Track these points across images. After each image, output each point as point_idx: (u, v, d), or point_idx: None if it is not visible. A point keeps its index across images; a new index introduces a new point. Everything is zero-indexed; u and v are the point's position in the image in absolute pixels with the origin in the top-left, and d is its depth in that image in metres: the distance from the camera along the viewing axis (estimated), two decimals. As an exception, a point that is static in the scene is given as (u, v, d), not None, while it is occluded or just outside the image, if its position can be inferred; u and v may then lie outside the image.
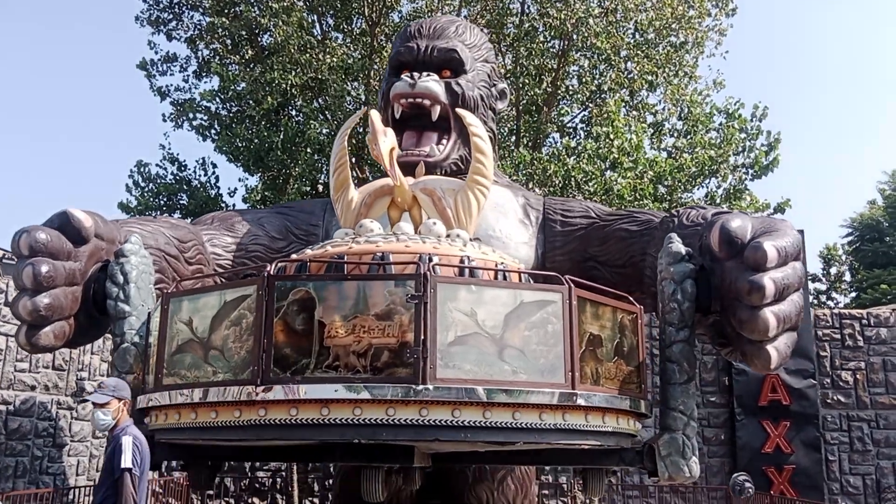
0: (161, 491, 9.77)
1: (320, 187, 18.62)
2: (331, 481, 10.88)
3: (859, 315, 11.75)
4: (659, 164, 15.15)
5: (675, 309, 5.29)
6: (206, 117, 19.60)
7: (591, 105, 17.93)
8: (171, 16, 20.24)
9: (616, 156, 14.71)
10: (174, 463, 9.51)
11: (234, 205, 20.20)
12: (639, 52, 17.55)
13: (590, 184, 15.18)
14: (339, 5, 18.74)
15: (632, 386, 4.95)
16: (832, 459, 11.21)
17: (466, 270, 4.91)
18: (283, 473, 11.55)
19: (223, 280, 7.02)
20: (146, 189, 19.76)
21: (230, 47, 19.54)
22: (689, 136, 16.85)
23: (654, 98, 18.48)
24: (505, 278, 5.13)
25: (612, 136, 14.86)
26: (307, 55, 17.44)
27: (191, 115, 19.50)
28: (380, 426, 4.19)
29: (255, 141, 17.95)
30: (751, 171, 16.37)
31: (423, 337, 4.17)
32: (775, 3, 47.85)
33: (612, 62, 17.54)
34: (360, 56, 18.73)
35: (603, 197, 14.96)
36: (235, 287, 4.57)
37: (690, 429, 5.20)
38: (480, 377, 4.24)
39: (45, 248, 5.39)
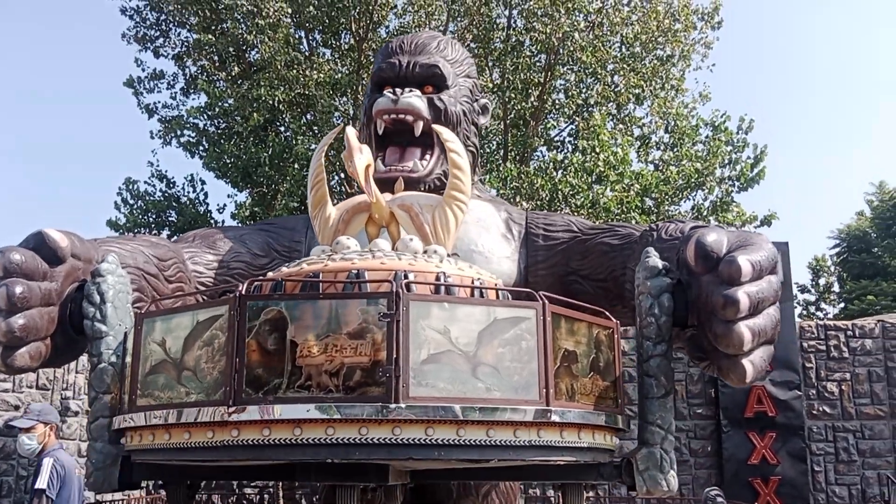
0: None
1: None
2: (317, 497, 10.85)
3: (844, 326, 11.81)
4: (645, 177, 15.23)
5: (652, 323, 5.30)
6: (193, 134, 19.67)
7: (577, 119, 18.02)
8: (157, 33, 20.31)
9: (602, 169, 14.78)
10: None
11: (223, 221, 20.25)
12: (625, 65, 17.68)
13: (577, 197, 15.24)
14: (326, 21, 18.83)
15: (608, 401, 4.95)
16: (818, 470, 11.24)
17: (442, 287, 4.91)
18: (271, 490, 11.52)
19: (205, 298, 7.00)
20: (135, 206, 19.81)
21: (217, 64, 19.61)
22: (675, 149, 16.95)
23: (642, 111, 18.62)
24: (482, 295, 5.13)
25: (597, 150, 14.92)
26: (294, 71, 17.51)
27: (178, 132, 19.56)
28: (353, 445, 4.17)
29: (243, 157, 18.00)
30: (737, 184, 16.47)
31: (395, 355, 4.15)
32: (761, 15, 48.24)
33: (599, 76, 17.66)
34: (347, 72, 18.81)
35: (590, 210, 15.02)
36: (207, 307, 4.55)
37: (668, 443, 5.20)
38: (454, 395, 4.23)
39: (19, 268, 5.36)
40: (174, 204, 19.86)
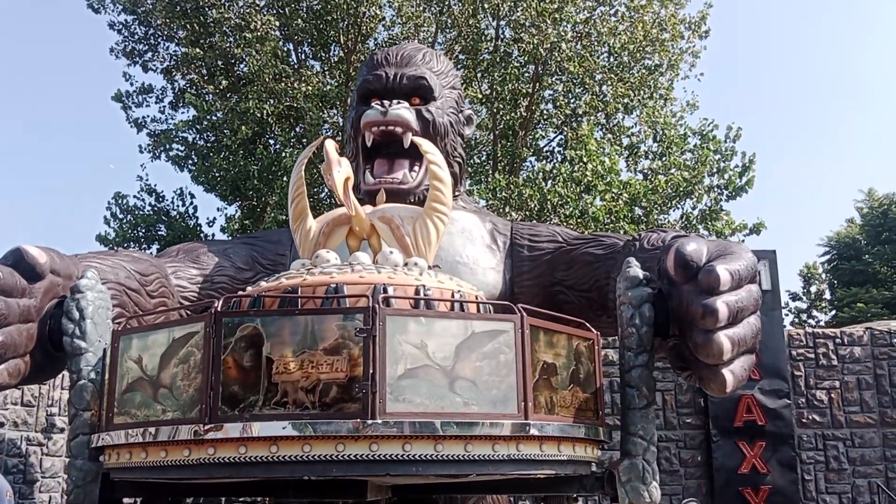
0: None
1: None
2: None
3: (833, 334, 11.80)
4: (633, 186, 15.24)
5: (633, 334, 5.29)
6: (182, 148, 19.63)
7: (566, 129, 18.05)
8: (146, 47, 20.29)
9: (590, 179, 14.79)
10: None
11: (213, 234, 20.19)
12: (612, 75, 17.72)
13: (566, 207, 15.24)
14: (315, 33, 18.86)
15: (588, 413, 4.93)
16: (808, 479, 11.21)
17: (421, 300, 4.89)
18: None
19: (188, 313, 6.96)
20: (124, 221, 19.74)
21: (206, 77, 19.60)
22: (663, 158, 16.98)
23: (630, 121, 18.66)
24: (462, 307, 5.10)
25: (585, 160, 14.94)
26: (282, 84, 17.50)
27: (167, 146, 19.51)
28: (330, 462, 4.13)
29: (232, 170, 17.98)
30: (725, 192, 16.50)
31: (371, 371, 4.12)
32: (749, 24, 48.51)
33: (587, 86, 17.70)
34: (336, 84, 18.82)
35: (578, 220, 15.02)
36: (183, 324, 4.52)
37: (651, 454, 5.17)
38: (431, 410, 4.20)
39: None
40: (164, 218, 19.80)
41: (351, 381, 4.13)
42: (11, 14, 45.94)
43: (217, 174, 18.40)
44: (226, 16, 18.11)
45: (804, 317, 24.16)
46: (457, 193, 8.75)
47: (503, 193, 15.77)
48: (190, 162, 19.47)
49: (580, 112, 17.72)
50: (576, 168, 15.17)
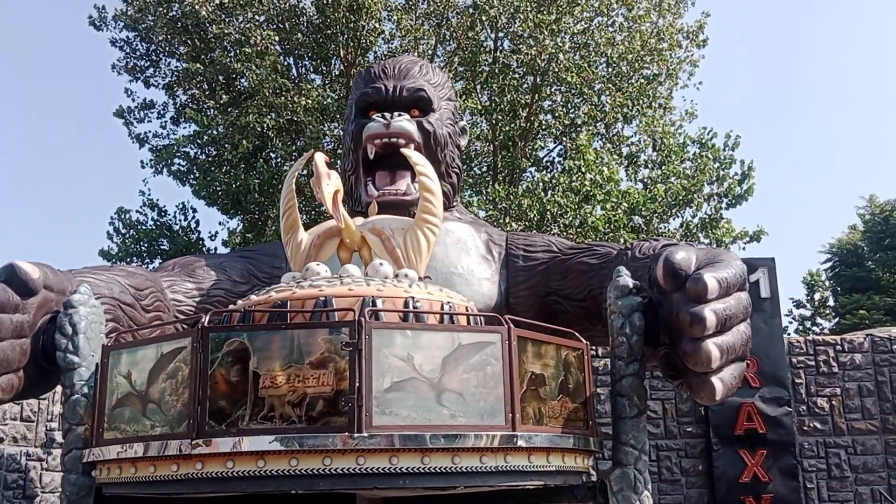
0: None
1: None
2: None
3: (833, 341, 11.75)
4: (632, 195, 15.24)
5: (623, 343, 5.30)
6: (184, 162, 19.69)
7: (565, 139, 18.07)
8: (147, 63, 20.39)
9: (589, 188, 14.79)
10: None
11: (215, 248, 20.23)
12: (611, 85, 17.74)
13: (565, 217, 15.24)
14: (315, 47, 18.93)
15: (578, 423, 4.93)
16: (810, 487, 11.13)
17: (410, 312, 4.90)
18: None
19: (184, 327, 6.97)
20: (127, 235, 19.80)
21: (207, 92, 19.67)
22: (662, 167, 16.97)
23: (630, 130, 18.67)
24: (452, 319, 5.11)
25: (583, 170, 14.95)
26: (282, 98, 17.56)
27: (169, 161, 19.58)
28: (317, 476, 4.15)
29: (233, 185, 18.03)
30: (725, 200, 16.48)
31: (358, 384, 4.14)
32: (747, 32, 48.53)
33: (585, 96, 17.72)
34: (336, 97, 18.88)
35: (578, 230, 15.01)
36: (171, 339, 4.55)
37: (642, 463, 5.16)
38: (418, 423, 4.22)
39: None
40: (166, 232, 19.86)
41: (337, 395, 4.15)
42: (16, 33, 46.26)
43: (218, 188, 18.46)
44: (226, 31, 18.20)
45: (808, 324, 24.05)
46: (454, 204, 8.79)
47: (503, 204, 15.78)
48: (191, 176, 19.53)
49: (579, 122, 17.74)
50: (574, 178, 15.18)
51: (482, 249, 8.23)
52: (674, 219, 16.36)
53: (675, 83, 18.83)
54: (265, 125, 17.57)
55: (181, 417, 4.31)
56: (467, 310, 5.46)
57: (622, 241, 14.06)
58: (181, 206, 20.18)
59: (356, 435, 4.10)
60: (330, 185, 5.47)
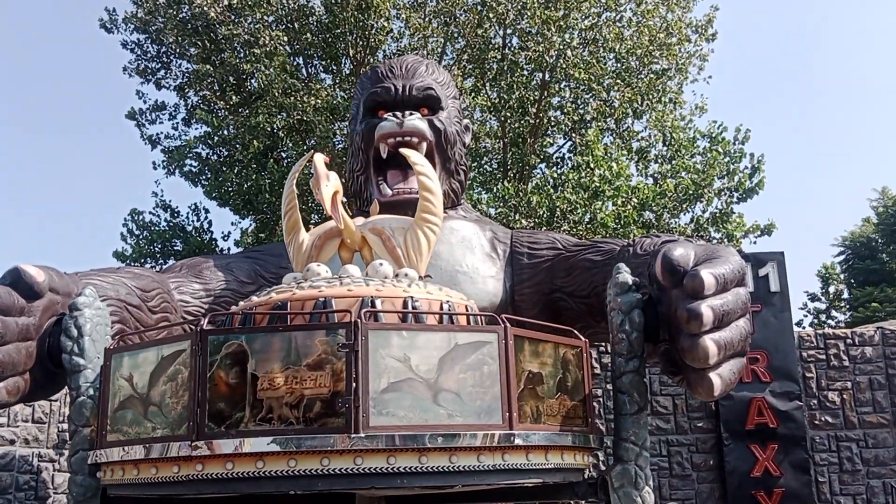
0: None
1: (311, 227, 18.77)
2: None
3: (844, 335, 11.68)
4: (642, 190, 15.19)
5: (623, 339, 5.32)
6: (196, 163, 19.80)
7: (574, 135, 18.03)
8: (158, 65, 20.52)
9: (598, 184, 14.76)
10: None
11: (228, 248, 20.35)
12: (620, 80, 17.68)
13: (575, 213, 15.21)
14: (324, 46, 18.98)
15: (577, 421, 4.94)
16: (822, 481, 11.07)
17: (409, 313, 4.92)
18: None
19: (192, 328, 7.02)
20: (140, 237, 19.93)
21: (217, 93, 19.77)
22: (672, 162, 16.91)
23: (640, 125, 18.60)
24: (451, 319, 5.14)
25: (592, 166, 14.92)
26: (292, 98, 17.62)
27: (181, 162, 19.69)
28: (315, 477, 4.19)
29: (244, 185, 18.12)
30: (736, 195, 16.40)
31: (354, 386, 4.17)
32: (758, 24, 48.20)
33: (595, 92, 17.67)
34: (346, 96, 18.93)
35: (588, 226, 14.99)
36: (171, 342, 4.60)
37: (643, 459, 5.18)
38: (415, 423, 4.25)
39: None
40: (179, 233, 19.99)
41: (334, 396, 4.18)
42: (30, 38, 46.68)
43: (230, 189, 18.56)
44: (235, 32, 18.27)
45: (823, 317, 23.91)
46: (461, 202, 8.81)
47: (513, 201, 15.77)
48: (203, 177, 19.64)
49: (588, 118, 17.70)
50: (583, 174, 15.15)
51: (487, 247, 8.25)
52: (684, 214, 16.30)
53: (684, 78, 18.74)
54: (275, 125, 17.65)
55: (181, 420, 4.36)
56: (467, 309, 5.48)
57: (632, 236, 14.02)
58: (193, 206, 20.31)
59: (353, 436, 4.14)
60: (329, 186, 5.50)
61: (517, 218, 15.65)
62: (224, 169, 19.15)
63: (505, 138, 18.28)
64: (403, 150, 6.75)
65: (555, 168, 18.25)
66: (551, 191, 15.54)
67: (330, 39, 18.79)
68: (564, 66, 16.89)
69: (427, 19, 18.61)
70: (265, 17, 18.49)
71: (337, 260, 5.93)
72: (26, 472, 9.13)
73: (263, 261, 8.44)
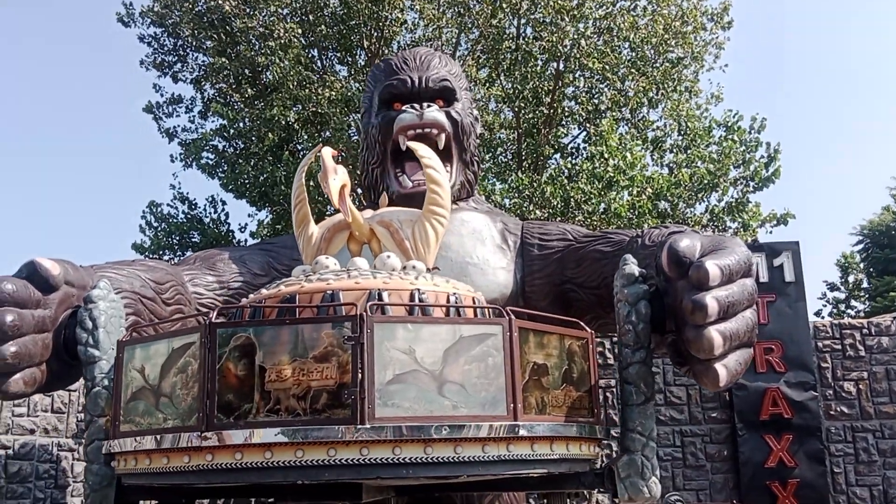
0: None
1: (326, 219, 18.86)
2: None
3: (860, 324, 11.63)
4: (656, 180, 15.15)
5: (630, 330, 5.34)
6: (212, 156, 19.96)
7: (588, 125, 17.99)
8: (175, 58, 20.67)
9: (612, 174, 14.73)
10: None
11: (245, 240, 20.51)
12: (634, 70, 17.61)
13: (589, 203, 15.20)
14: (339, 38, 19.04)
15: (583, 411, 4.97)
16: (838, 472, 11.06)
17: (415, 305, 4.97)
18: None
19: (204, 320, 7.10)
20: (159, 229, 20.12)
21: (233, 86, 19.89)
22: (688, 151, 16.84)
23: (655, 114, 18.53)
24: (458, 312, 5.18)
25: (606, 156, 14.89)
26: (306, 90, 17.70)
27: (198, 155, 19.85)
28: (322, 467, 4.25)
29: (260, 177, 18.25)
30: (752, 184, 16.31)
31: (360, 377, 4.22)
32: (774, 12, 47.70)
33: (609, 81, 17.62)
34: (361, 88, 18.99)
35: (602, 216, 14.97)
36: (181, 334, 4.67)
37: (650, 449, 5.20)
38: (420, 414, 4.29)
39: (10, 297, 5.53)
40: (197, 225, 20.17)
41: (340, 388, 4.24)
42: (54, 34, 47.10)
43: (246, 181, 18.69)
44: (250, 25, 18.37)
45: (842, 307, 23.75)
46: (474, 194, 8.84)
47: (527, 192, 15.78)
48: (220, 170, 19.79)
49: (603, 108, 17.65)
50: (598, 164, 15.12)
51: (497, 239, 8.27)
52: (700, 203, 16.24)
53: (700, 66, 18.64)
54: (290, 118, 17.73)
55: (192, 411, 4.43)
56: (474, 301, 5.52)
57: (646, 227, 13.99)
58: (210, 199, 20.48)
59: (359, 426, 4.19)
60: (337, 179, 5.55)
61: (531, 208, 15.67)
62: (240, 161, 19.28)
63: (519, 129, 18.28)
64: (410, 144, 6.79)
65: (569, 158, 18.22)
66: (565, 181, 15.53)
67: (344, 31, 18.85)
68: (579, 55, 16.85)
69: (441, 10, 18.60)
70: (279, 10, 18.57)
71: (346, 252, 5.99)
72: (46, 461, 9.30)
73: (276, 253, 8.52)
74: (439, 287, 5.32)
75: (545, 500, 5.72)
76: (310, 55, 19.34)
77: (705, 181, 15.53)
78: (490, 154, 19.12)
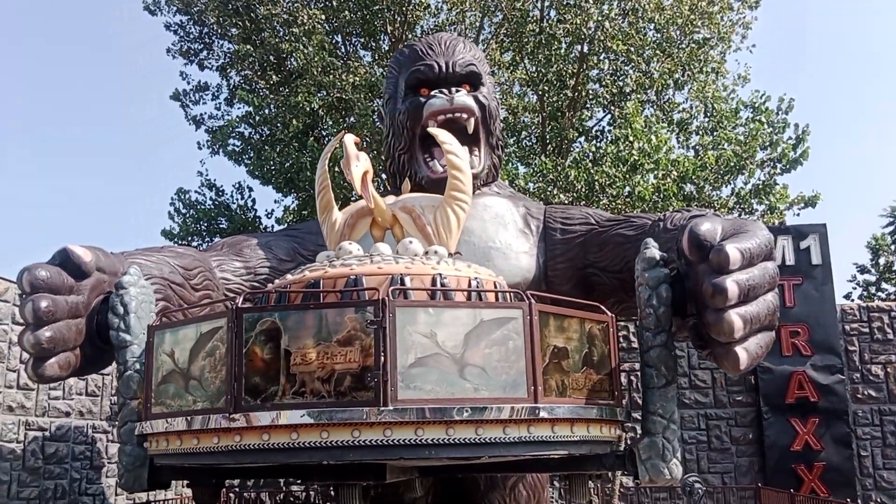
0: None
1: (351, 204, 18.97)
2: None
3: (888, 308, 11.53)
4: (682, 163, 15.04)
5: (651, 314, 5.38)
6: (239, 143, 20.12)
7: (613, 108, 17.89)
8: (201, 46, 20.82)
9: (637, 158, 14.65)
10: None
11: (272, 226, 20.68)
12: (659, 51, 17.45)
13: (614, 187, 15.13)
14: (362, 24, 19.06)
15: (603, 394, 5.03)
16: (864, 455, 11.01)
17: (437, 290, 5.04)
18: (317, 486, 11.79)
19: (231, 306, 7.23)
20: (187, 215, 20.33)
21: (258, 73, 20.00)
22: (714, 133, 16.68)
23: (681, 96, 18.36)
24: (479, 296, 5.25)
25: (631, 139, 14.80)
26: (330, 76, 17.76)
27: (224, 142, 20.01)
28: (347, 448, 4.36)
29: (286, 163, 18.37)
30: (779, 166, 16.13)
31: (383, 360, 4.32)
32: (815, -13, 46.88)
33: (634, 63, 17.48)
34: (385, 73, 19.01)
35: (626, 200, 14.91)
36: (209, 319, 4.78)
37: (671, 432, 5.25)
38: (442, 396, 4.38)
39: (45, 284, 5.69)
40: (224, 211, 20.37)
41: (364, 371, 4.34)
42: (86, 27, 47.57)
43: (272, 167, 18.83)
44: (274, 12, 18.44)
45: (873, 290, 23.45)
46: (499, 179, 8.88)
47: (551, 175, 15.74)
48: (246, 156, 19.94)
49: (628, 90, 17.53)
50: (622, 147, 15.05)
51: (520, 223, 8.32)
52: (726, 186, 16.10)
53: (727, 47, 18.41)
54: (315, 104, 17.81)
55: (220, 393, 4.56)
56: (495, 285, 5.58)
57: (671, 210, 13.92)
58: (237, 185, 20.64)
59: (382, 408, 4.28)
60: (359, 166, 5.63)
61: (555, 192, 15.64)
62: (266, 148, 19.42)
63: (543, 112, 18.22)
64: (431, 129, 6.84)
65: (594, 142, 18.14)
66: (590, 165, 15.47)
67: (367, 16, 18.86)
68: (603, 37, 16.73)
69: (464, -6, 18.55)
70: (304, -4, 18.62)
71: (369, 238, 6.08)
72: (81, 442, 9.54)
73: (302, 238, 8.63)
74: (461, 272, 5.39)
75: (567, 482, 5.80)
76: (333, 41, 19.39)
77: (732, 163, 15.38)
78: (514, 138, 19.06)
